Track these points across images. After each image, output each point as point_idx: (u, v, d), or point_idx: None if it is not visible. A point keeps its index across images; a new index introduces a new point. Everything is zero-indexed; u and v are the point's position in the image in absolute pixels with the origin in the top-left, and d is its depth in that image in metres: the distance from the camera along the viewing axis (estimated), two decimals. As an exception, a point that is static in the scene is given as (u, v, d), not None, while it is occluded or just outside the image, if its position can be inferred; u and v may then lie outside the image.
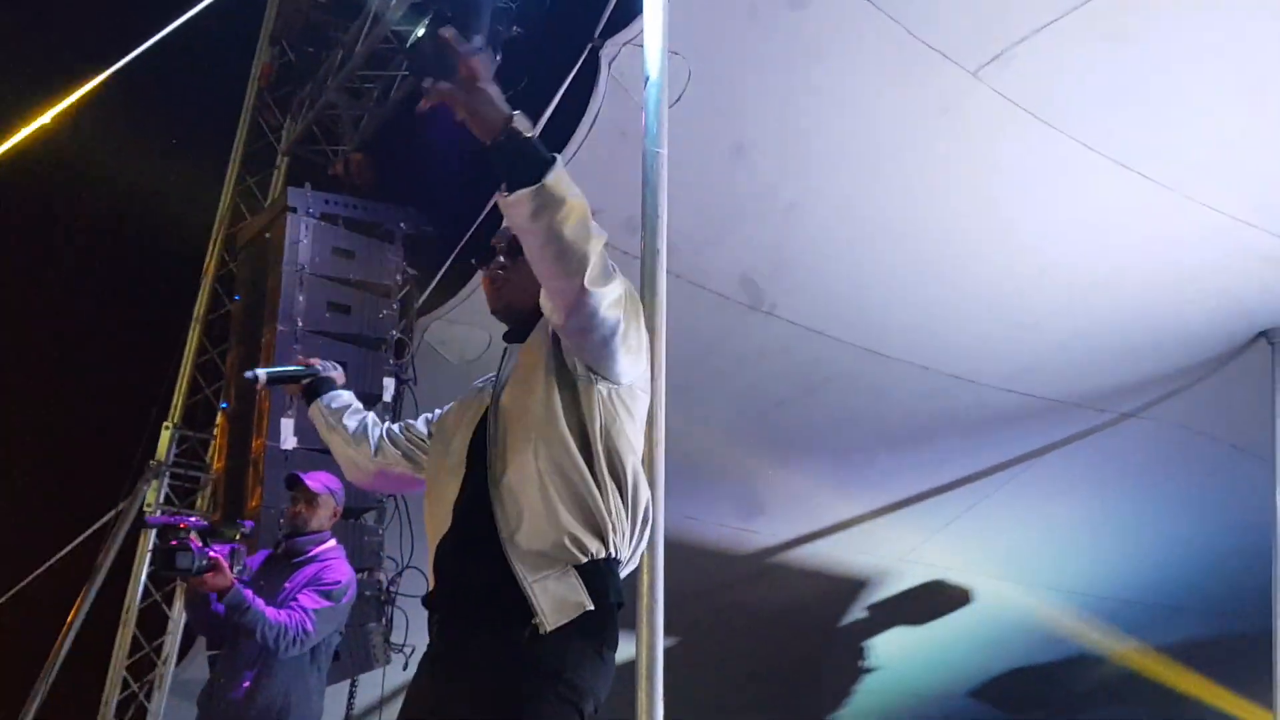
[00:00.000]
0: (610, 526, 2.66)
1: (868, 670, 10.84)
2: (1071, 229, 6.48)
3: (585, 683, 2.61)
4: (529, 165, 2.48)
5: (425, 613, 2.89)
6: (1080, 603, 10.17)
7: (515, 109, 2.52)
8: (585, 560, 2.63)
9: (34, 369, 9.61)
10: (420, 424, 3.31)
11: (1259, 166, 5.99)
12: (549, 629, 2.57)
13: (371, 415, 3.43)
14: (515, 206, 2.49)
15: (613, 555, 2.69)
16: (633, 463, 2.73)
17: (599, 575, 2.65)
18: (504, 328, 3.00)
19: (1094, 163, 5.85)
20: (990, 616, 10.24)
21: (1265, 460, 7.32)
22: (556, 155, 2.49)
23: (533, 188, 2.45)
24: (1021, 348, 7.40)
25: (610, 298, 2.62)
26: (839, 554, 9.15)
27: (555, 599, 2.58)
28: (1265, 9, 5.26)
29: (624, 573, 2.81)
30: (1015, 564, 9.71)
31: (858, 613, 10.10)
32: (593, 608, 2.61)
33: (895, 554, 9.44)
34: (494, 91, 2.48)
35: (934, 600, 10.05)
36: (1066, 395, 7.87)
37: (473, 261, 3.10)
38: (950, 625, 10.27)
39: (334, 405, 3.42)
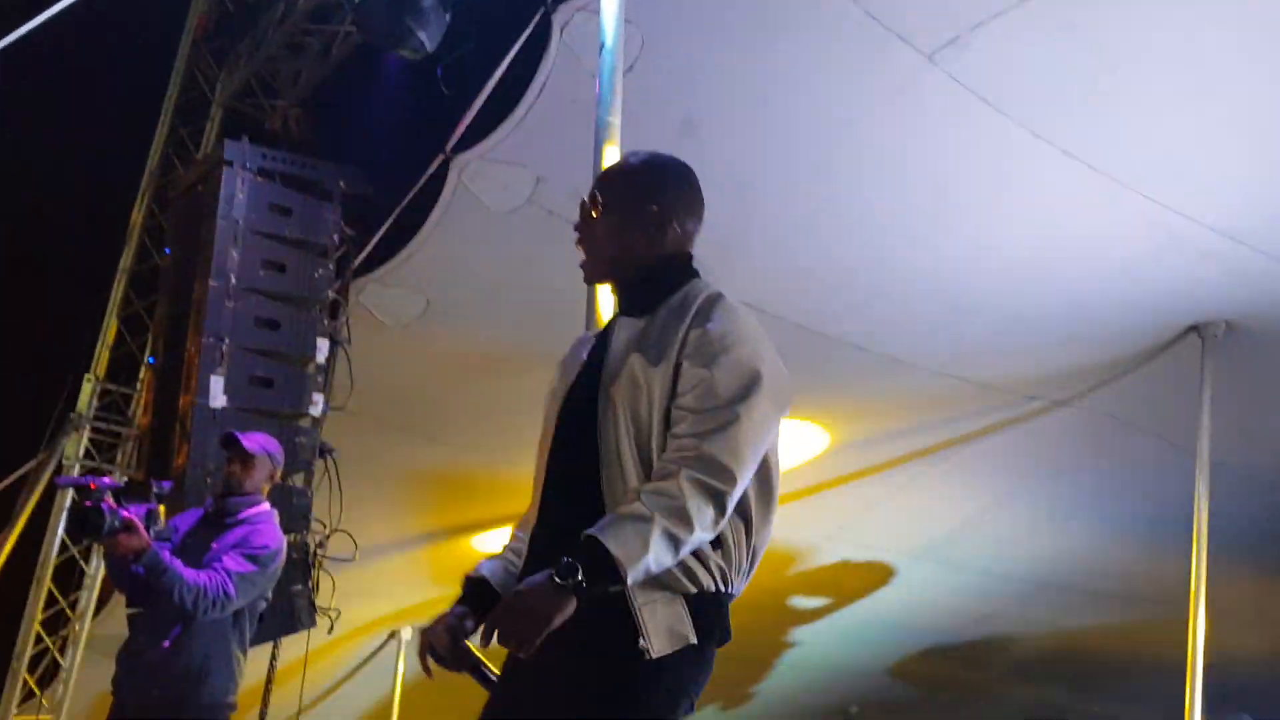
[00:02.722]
0: (723, 559, 2.49)
1: (789, 645, 10.95)
2: (1016, 216, 6.52)
3: (671, 717, 2.46)
4: (610, 581, 2.32)
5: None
6: (1000, 585, 10.32)
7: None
8: (695, 591, 2.45)
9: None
10: None
11: (1200, 161, 6.06)
12: (654, 656, 2.39)
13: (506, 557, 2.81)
14: None
15: (723, 589, 2.50)
16: (753, 492, 2.54)
17: (705, 608, 2.47)
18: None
19: (1041, 151, 5.88)
20: (911, 596, 10.38)
21: (1190, 453, 7.43)
22: (605, 546, 2.29)
23: (628, 583, 2.34)
24: (959, 332, 7.45)
25: (715, 507, 2.40)
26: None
27: (663, 626, 2.40)
28: (1210, 11, 5.31)
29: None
30: (940, 545, 9.83)
31: (783, 590, 10.17)
32: (696, 642, 2.43)
33: (822, 533, 9.51)
34: (542, 610, 2.30)
35: (857, 578, 10.15)
36: (1000, 381, 7.94)
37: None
38: (872, 604, 10.39)
39: (505, 582, 2.74)
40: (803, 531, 9.46)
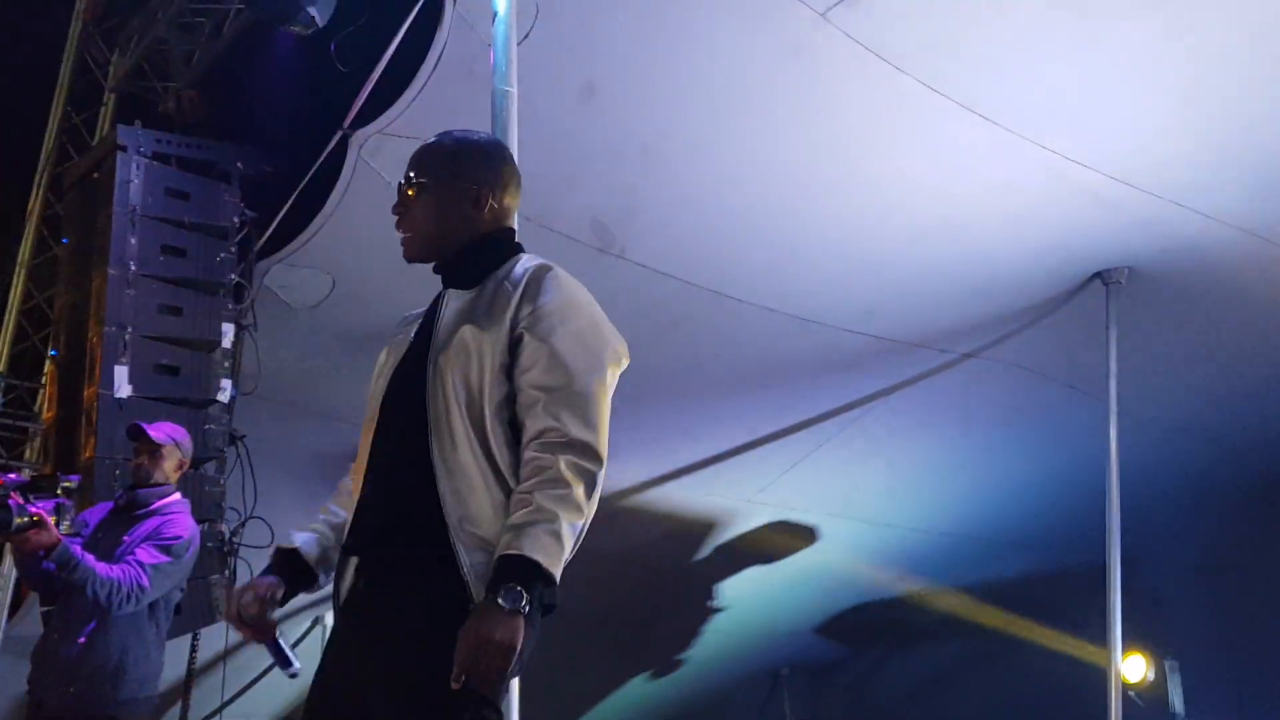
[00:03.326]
0: None
1: (716, 610, 11.00)
2: (916, 170, 6.57)
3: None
4: (546, 591, 2.43)
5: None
6: (921, 540, 10.46)
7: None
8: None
9: None
10: None
11: (1094, 109, 6.14)
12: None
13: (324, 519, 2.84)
14: None
15: None
16: None
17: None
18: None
19: (938, 105, 5.93)
20: (835, 555, 10.47)
21: (1100, 400, 7.56)
22: (534, 561, 2.38)
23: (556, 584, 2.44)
24: (866, 289, 7.50)
25: (589, 489, 2.49)
26: (687, 497, 9.22)
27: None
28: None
29: None
30: (859, 503, 9.93)
31: (705, 554, 10.22)
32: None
33: (743, 496, 9.56)
34: (502, 638, 2.35)
35: (780, 540, 10.22)
36: (909, 336, 8.02)
37: None
38: (796, 564, 10.46)
39: (318, 555, 2.75)
40: (721, 496, 9.51)
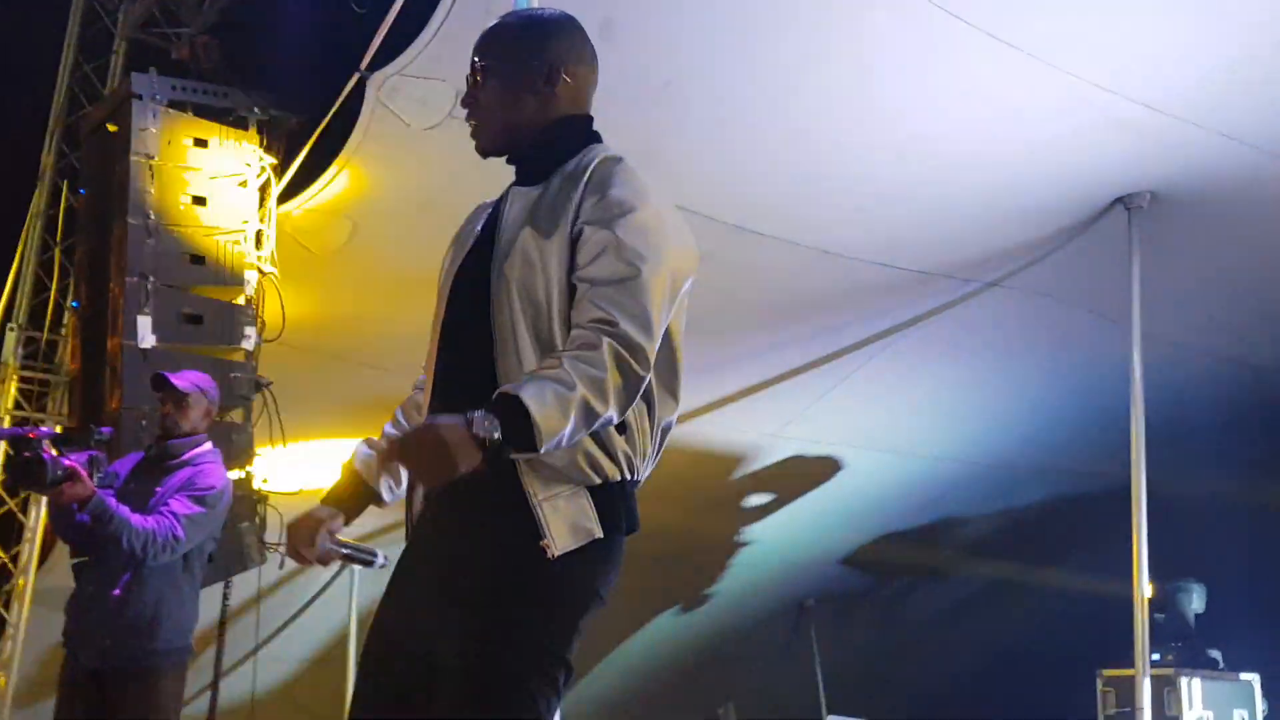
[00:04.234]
0: (628, 444, 2.40)
1: (741, 545, 11.05)
2: (936, 98, 6.48)
3: (580, 616, 2.38)
4: (522, 447, 2.21)
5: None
6: (946, 469, 10.45)
7: None
8: (599, 482, 2.35)
9: None
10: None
11: (1117, 32, 6.03)
12: (557, 553, 2.30)
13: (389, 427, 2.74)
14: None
15: (629, 478, 2.41)
16: (653, 379, 2.43)
17: (611, 499, 2.38)
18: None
19: (958, 31, 5.83)
20: (859, 486, 10.49)
21: (1123, 325, 7.52)
22: (526, 409, 2.16)
23: (537, 453, 2.23)
24: (889, 220, 7.44)
25: (627, 390, 2.29)
26: (712, 433, 9.22)
27: (566, 522, 2.31)
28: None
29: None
30: (883, 435, 9.93)
31: (732, 491, 10.25)
32: (601, 536, 2.35)
33: (768, 431, 9.57)
34: (453, 448, 2.15)
35: (805, 473, 10.24)
36: (932, 267, 7.96)
37: None
38: (821, 497, 10.49)
39: (379, 472, 2.66)
40: (748, 431, 9.51)
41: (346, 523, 2.60)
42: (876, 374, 8.90)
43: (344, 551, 2.60)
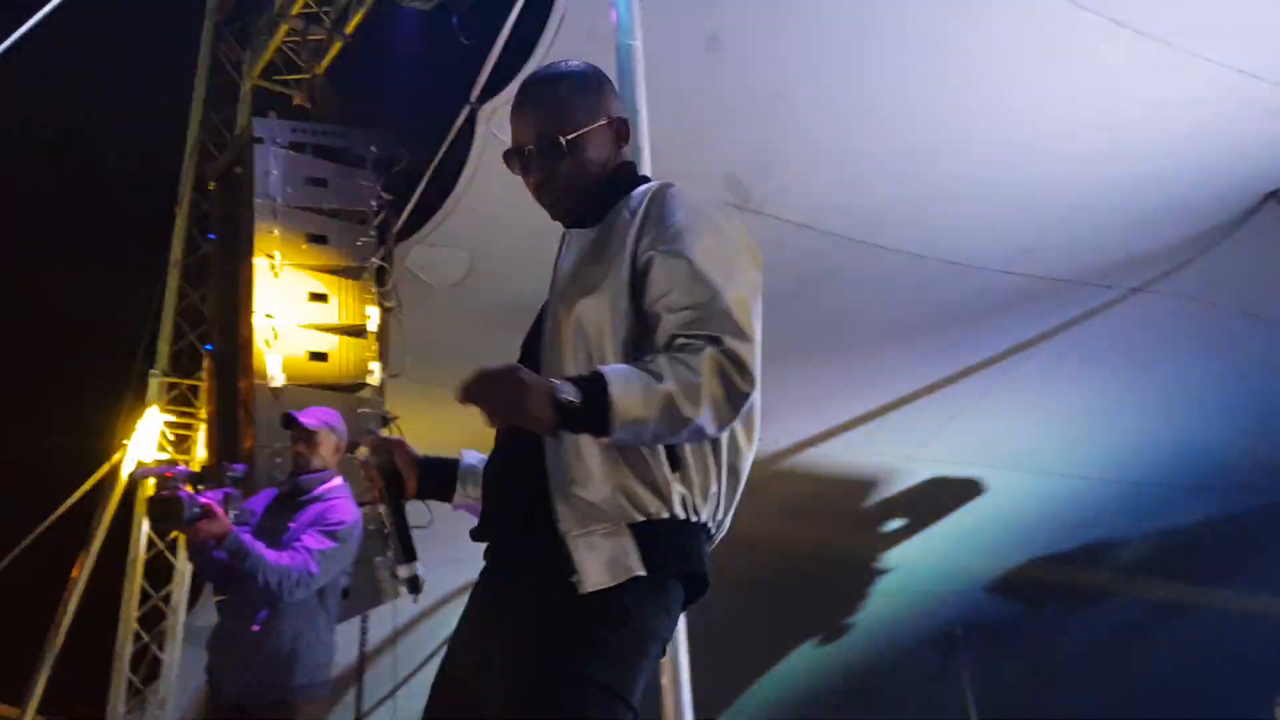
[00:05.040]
0: (682, 482, 2.30)
1: (881, 573, 10.77)
2: (1066, 96, 6.26)
3: (632, 654, 2.27)
4: (595, 424, 2.17)
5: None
6: (1094, 489, 10.05)
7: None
8: (642, 519, 2.26)
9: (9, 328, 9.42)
10: None
11: (1258, 12, 5.75)
12: (586, 590, 2.23)
13: None
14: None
15: (678, 516, 2.30)
16: None
17: (658, 538, 2.28)
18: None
19: (1087, 22, 5.62)
20: (1002, 509, 10.15)
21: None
22: (606, 385, 2.14)
23: (610, 437, 2.18)
24: (1020, 227, 7.20)
25: (730, 402, 2.23)
26: (846, 456, 9.03)
27: (602, 559, 2.24)
28: None
29: (717, 536, 2.44)
30: (1026, 453, 9.58)
31: (868, 515, 10.00)
32: (644, 573, 2.24)
33: (903, 451, 9.31)
34: (531, 393, 2.14)
35: (944, 496, 9.94)
36: (1069, 274, 7.68)
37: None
38: (962, 520, 10.18)
39: (470, 476, 2.63)
40: (881, 454, 9.27)
41: (415, 487, 2.56)
42: (1015, 389, 8.61)
43: (404, 517, 2.54)
